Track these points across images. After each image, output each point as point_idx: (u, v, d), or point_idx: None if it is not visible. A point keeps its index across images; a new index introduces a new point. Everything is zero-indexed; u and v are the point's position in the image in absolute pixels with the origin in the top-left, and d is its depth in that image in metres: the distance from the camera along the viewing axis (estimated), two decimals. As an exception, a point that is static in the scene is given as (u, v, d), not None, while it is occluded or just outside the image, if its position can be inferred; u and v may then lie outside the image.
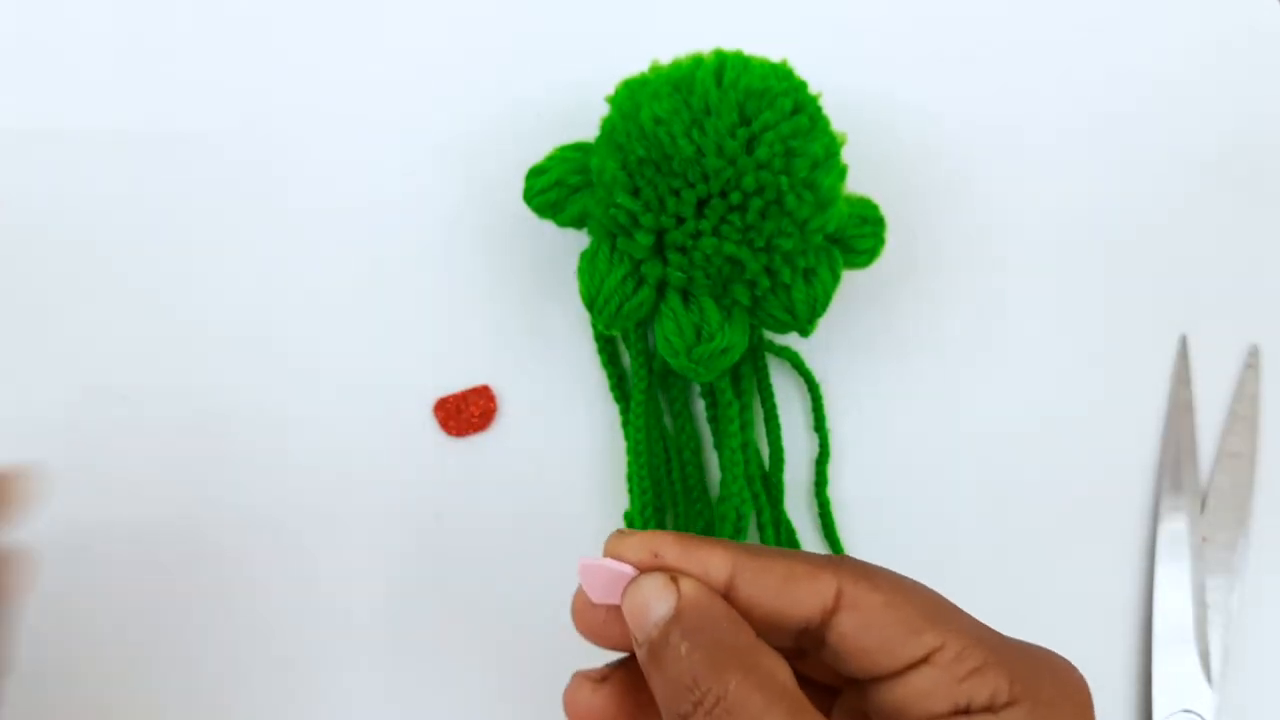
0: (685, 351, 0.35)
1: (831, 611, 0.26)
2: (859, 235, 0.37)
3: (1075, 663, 0.28)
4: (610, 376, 0.39)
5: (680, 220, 0.34)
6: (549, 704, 0.40)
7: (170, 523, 0.38)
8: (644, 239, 0.34)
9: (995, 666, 0.25)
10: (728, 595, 0.26)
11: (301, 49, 0.41)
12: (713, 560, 0.26)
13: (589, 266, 0.36)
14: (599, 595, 0.27)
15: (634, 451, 0.38)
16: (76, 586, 0.38)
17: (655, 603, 0.26)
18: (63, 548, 0.38)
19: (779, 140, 0.33)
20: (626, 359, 0.40)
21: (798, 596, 0.26)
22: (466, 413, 0.38)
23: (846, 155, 0.36)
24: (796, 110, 0.34)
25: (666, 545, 0.26)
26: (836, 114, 0.36)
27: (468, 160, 0.40)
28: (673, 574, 0.26)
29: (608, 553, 0.27)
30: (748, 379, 0.39)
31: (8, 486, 0.32)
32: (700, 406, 0.40)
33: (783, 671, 0.25)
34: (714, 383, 0.38)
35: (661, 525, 0.38)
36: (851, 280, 0.39)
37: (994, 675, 0.25)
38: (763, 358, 0.39)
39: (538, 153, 0.38)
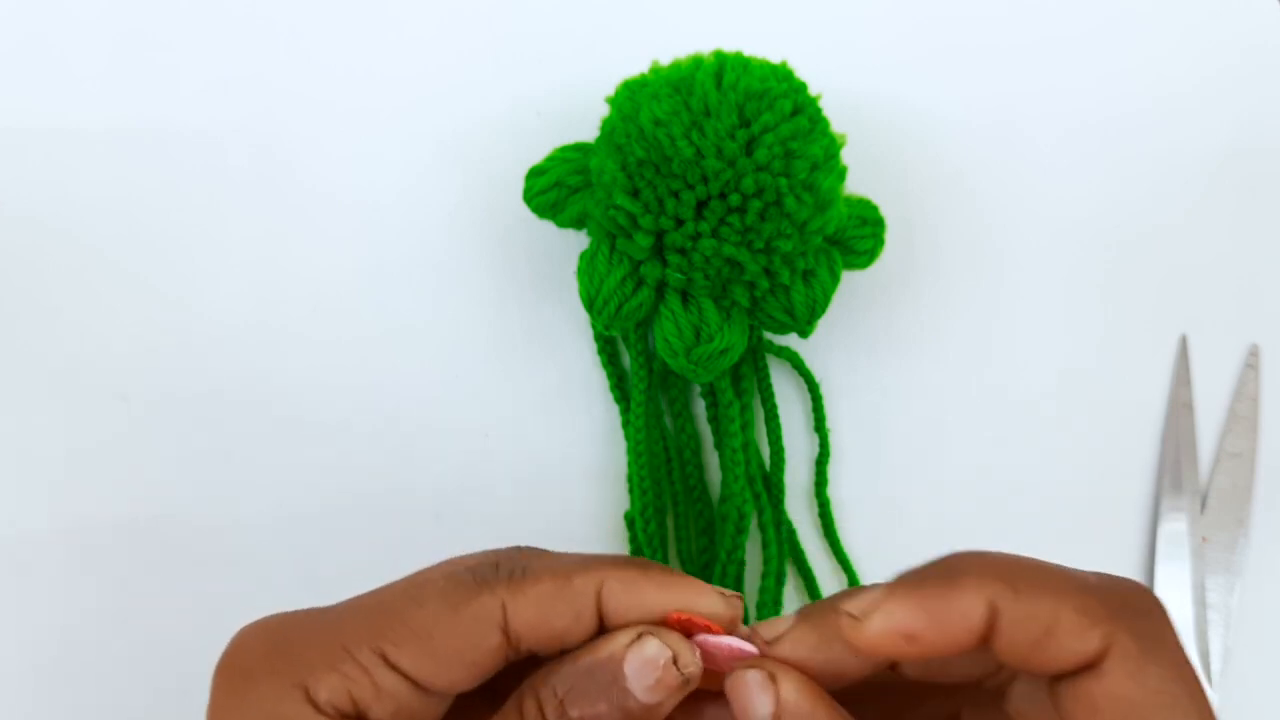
0: (684, 352, 0.35)
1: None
2: (859, 236, 0.37)
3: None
4: (610, 376, 0.39)
5: (679, 222, 0.34)
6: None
7: (170, 522, 0.38)
8: (643, 240, 0.34)
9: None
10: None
11: (301, 48, 0.41)
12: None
13: (588, 267, 0.36)
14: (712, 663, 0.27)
15: (634, 451, 0.38)
16: (76, 586, 0.38)
17: (756, 701, 0.25)
18: (63, 548, 0.38)
19: (778, 142, 0.33)
20: (626, 359, 0.40)
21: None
22: None
23: (846, 156, 0.36)
24: (796, 112, 0.34)
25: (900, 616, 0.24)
26: (836, 115, 0.36)
27: (468, 160, 0.40)
28: (772, 672, 0.25)
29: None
30: (748, 379, 0.39)
31: None
32: (700, 406, 0.40)
33: None
34: (714, 383, 0.38)
35: (662, 526, 0.38)
36: (851, 280, 0.39)
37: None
38: (763, 358, 0.39)
39: (538, 153, 0.38)
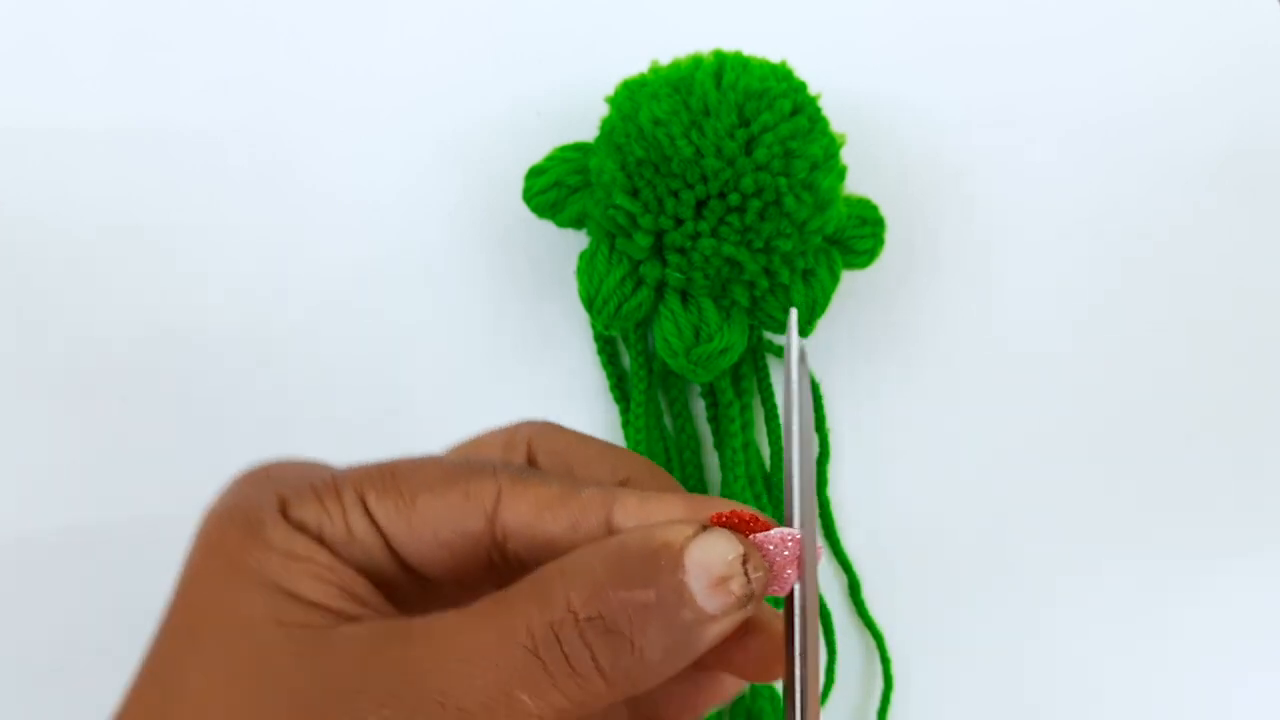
0: (684, 352, 0.35)
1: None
2: (858, 236, 0.37)
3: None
4: (610, 376, 0.39)
5: (679, 221, 0.34)
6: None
7: (170, 522, 0.38)
8: (643, 240, 0.34)
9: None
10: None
11: (301, 48, 0.41)
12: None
13: (588, 267, 0.36)
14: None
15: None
16: (76, 587, 0.38)
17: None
18: (63, 548, 0.38)
19: (778, 141, 0.33)
20: (626, 359, 0.40)
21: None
22: None
23: (846, 156, 0.36)
24: (796, 111, 0.34)
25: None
26: (836, 115, 0.36)
27: (468, 160, 0.40)
28: None
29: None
30: (748, 379, 0.39)
31: None
32: (700, 406, 0.40)
33: None
34: (714, 383, 0.38)
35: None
36: (851, 280, 0.39)
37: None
38: (763, 358, 0.39)
39: (538, 153, 0.38)
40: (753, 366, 0.39)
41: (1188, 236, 0.41)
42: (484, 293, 0.40)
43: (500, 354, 0.40)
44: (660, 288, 0.36)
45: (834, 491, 0.40)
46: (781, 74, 0.35)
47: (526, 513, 0.23)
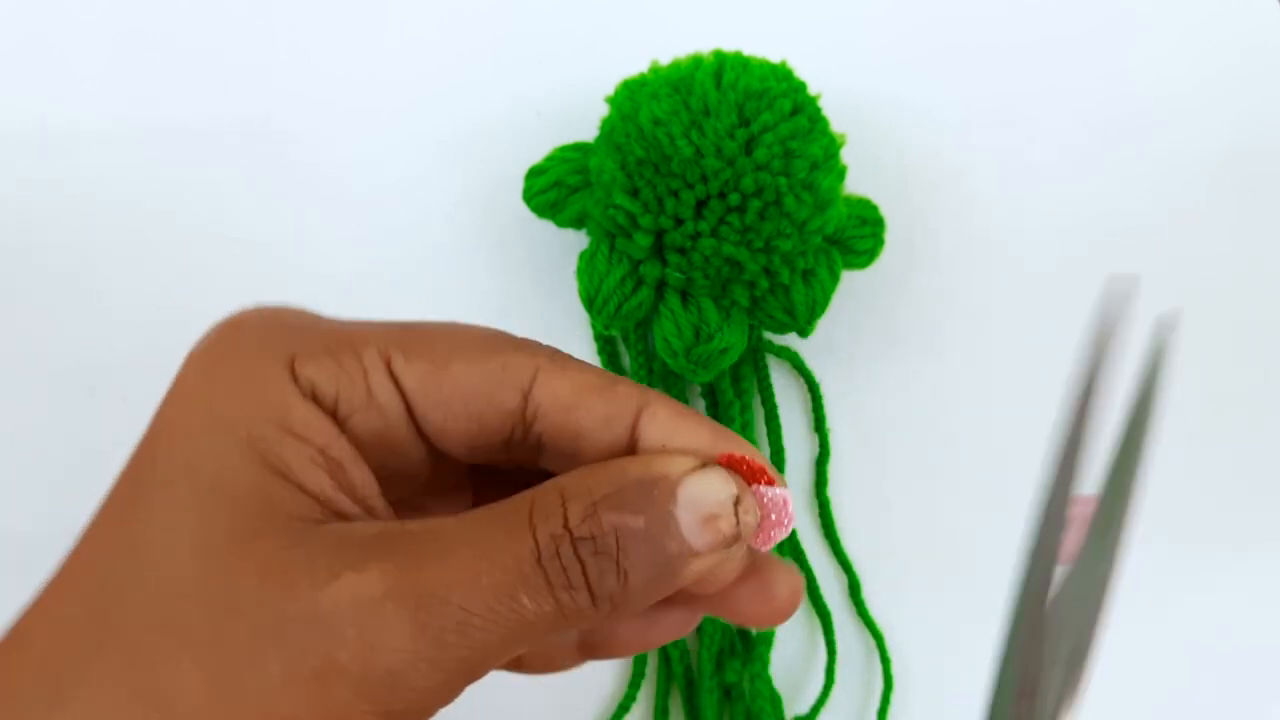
0: (684, 352, 0.35)
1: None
2: (858, 236, 0.37)
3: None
4: (610, 376, 0.39)
5: (679, 221, 0.34)
6: (549, 699, 0.40)
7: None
8: (643, 240, 0.34)
9: None
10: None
11: (301, 48, 0.41)
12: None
13: (588, 267, 0.36)
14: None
15: (634, 451, 0.38)
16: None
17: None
18: (62, 548, 0.38)
19: (778, 141, 0.33)
20: (626, 359, 0.40)
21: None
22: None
23: (846, 156, 0.36)
24: (796, 111, 0.34)
25: None
26: (836, 115, 0.36)
27: (468, 160, 0.40)
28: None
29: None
30: (748, 379, 0.39)
31: None
32: (700, 406, 0.40)
33: None
34: (714, 383, 0.38)
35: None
36: (851, 280, 0.39)
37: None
38: (763, 358, 0.39)
39: (538, 153, 0.38)
40: (753, 367, 0.39)
41: (1188, 236, 0.41)
42: (484, 293, 0.40)
43: (500, 354, 0.40)
44: (660, 288, 0.36)
45: (834, 491, 0.40)
46: (781, 74, 0.35)
47: (563, 394, 0.23)
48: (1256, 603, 0.40)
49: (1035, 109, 0.42)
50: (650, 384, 0.38)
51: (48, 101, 0.40)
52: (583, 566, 0.21)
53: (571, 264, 0.38)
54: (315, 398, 0.22)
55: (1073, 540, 0.22)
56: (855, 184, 0.38)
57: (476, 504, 0.24)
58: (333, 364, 0.22)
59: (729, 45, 0.36)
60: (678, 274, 0.35)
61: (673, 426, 0.23)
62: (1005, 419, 0.40)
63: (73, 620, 0.21)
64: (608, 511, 0.21)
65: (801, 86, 0.35)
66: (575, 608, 0.21)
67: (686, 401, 0.39)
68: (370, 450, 0.22)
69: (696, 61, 0.35)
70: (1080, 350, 0.23)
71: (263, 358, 0.22)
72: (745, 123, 0.33)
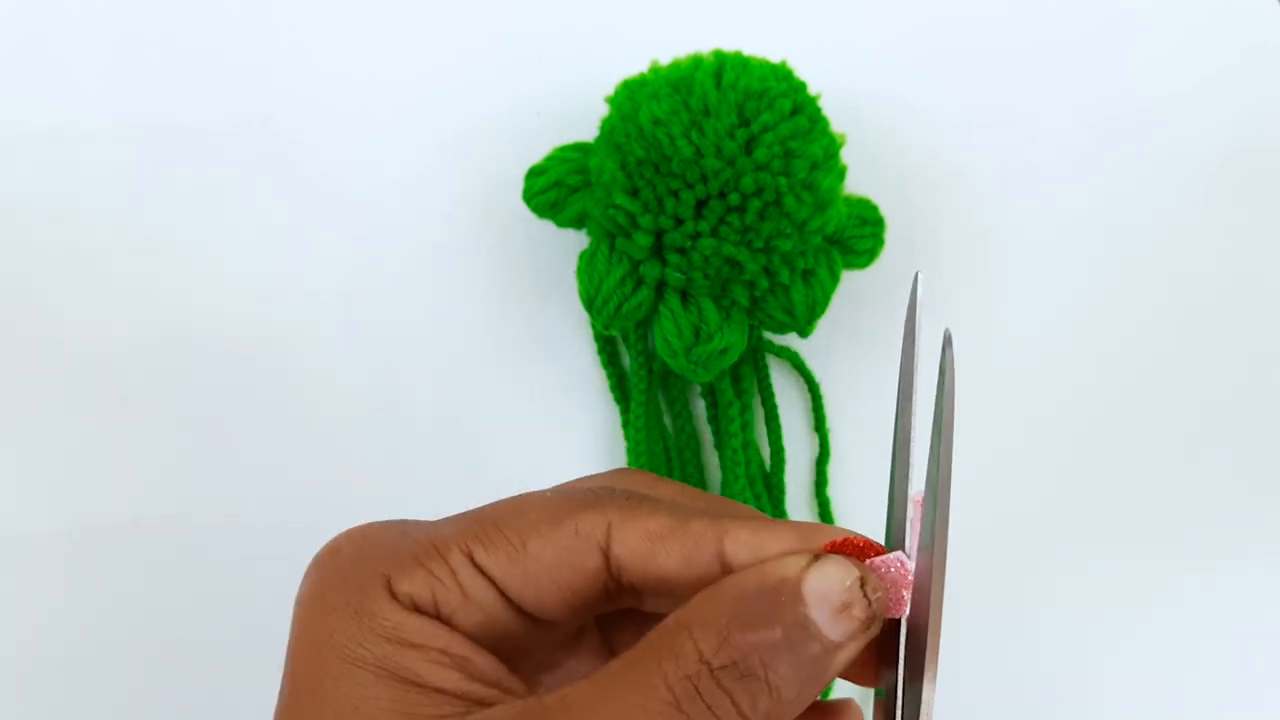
0: (684, 352, 0.35)
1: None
2: (858, 236, 0.37)
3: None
4: (610, 376, 0.39)
5: (679, 221, 0.34)
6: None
7: (168, 523, 0.38)
8: (643, 240, 0.34)
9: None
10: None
11: (301, 48, 0.41)
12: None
13: (588, 267, 0.36)
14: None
15: (634, 452, 0.38)
16: (76, 587, 0.38)
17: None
18: (63, 548, 0.38)
19: (778, 141, 0.33)
20: (626, 359, 0.40)
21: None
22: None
23: (846, 155, 0.36)
24: (796, 111, 0.34)
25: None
26: (836, 114, 0.36)
27: (468, 160, 0.40)
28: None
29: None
30: (748, 379, 0.39)
31: None
32: (700, 406, 0.40)
33: None
34: (714, 383, 0.38)
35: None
36: (851, 280, 0.39)
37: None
38: (763, 358, 0.39)
39: (538, 153, 0.38)
40: (753, 366, 0.39)
41: (1188, 236, 0.41)
42: (484, 293, 0.40)
43: (500, 354, 0.40)
44: (660, 288, 0.36)
45: (834, 491, 0.40)
46: (781, 74, 0.35)
47: (638, 546, 0.23)
48: (1258, 603, 0.40)
49: (1035, 109, 0.42)
50: (650, 384, 0.38)
51: (48, 101, 0.40)
52: (730, 696, 0.21)
53: (571, 264, 0.38)
54: (417, 608, 0.23)
55: (904, 598, 0.23)
56: (855, 184, 0.38)
57: (604, 640, 0.26)
58: (424, 574, 0.23)
59: (729, 45, 0.36)
60: (678, 274, 0.35)
61: (758, 541, 0.23)
62: (1005, 419, 0.40)
63: None
64: (742, 632, 0.21)
65: (801, 86, 0.35)
66: None
67: (686, 402, 0.39)
68: (483, 639, 0.23)
69: (696, 61, 0.35)
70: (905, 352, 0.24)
71: (364, 584, 0.23)
72: (745, 123, 0.33)
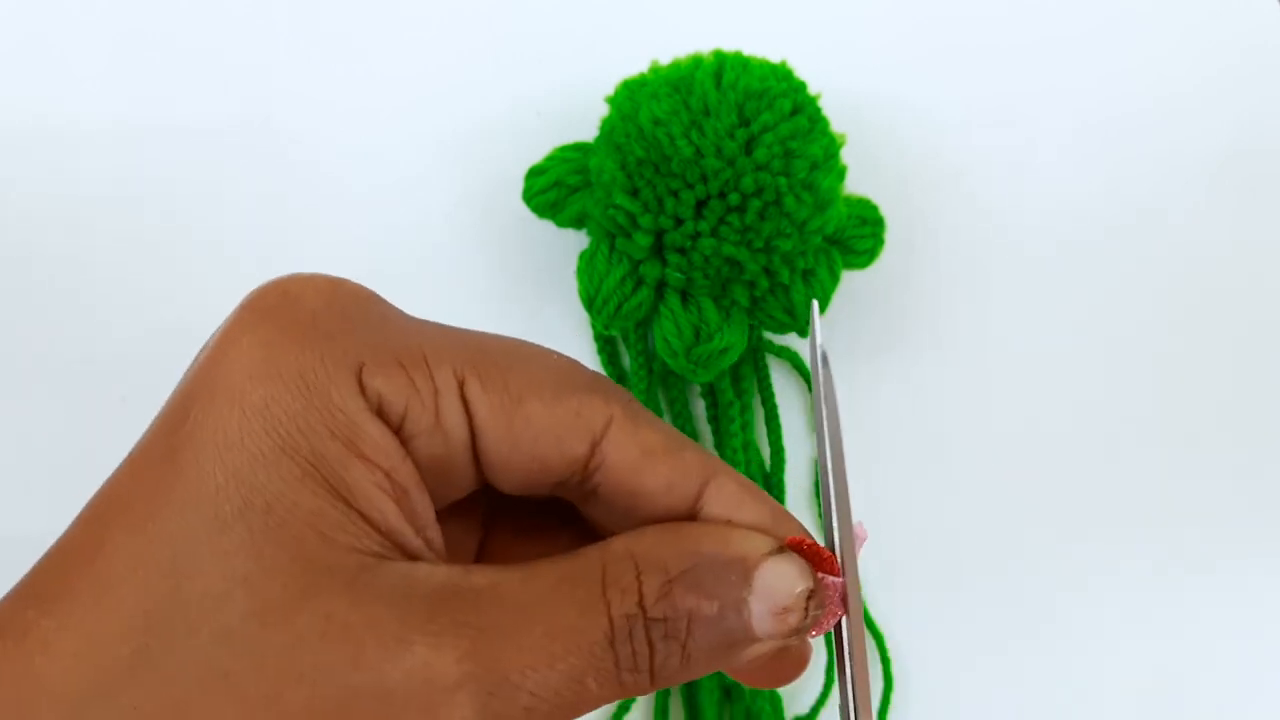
0: (684, 352, 0.35)
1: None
2: (858, 236, 0.37)
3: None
4: (610, 376, 0.39)
5: (679, 221, 0.34)
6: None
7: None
8: (643, 239, 0.34)
9: None
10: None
11: (301, 48, 0.41)
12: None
13: (588, 267, 0.36)
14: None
15: (634, 451, 0.38)
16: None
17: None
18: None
19: (778, 141, 0.33)
20: (626, 359, 0.40)
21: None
22: None
23: (846, 155, 0.36)
24: (796, 111, 0.34)
25: None
26: (836, 114, 0.36)
27: (468, 160, 0.40)
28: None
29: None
30: (748, 379, 0.39)
31: None
32: (700, 406, 0.40)
33: None
34: (714, 383, 0.38)
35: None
36: (851, 280, 0.39)
37: None
38: (763, 358, 0.39)
39: (538, 153, 0.38)
40: (753, 366, 0.39)
41: (1188, 236, 0.41)
42: (484, 293, 0.40)
43: (500, 354, 0.40)
44: (660, 288, 0.36)
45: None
46: (781, 74, 0.35)
47: (630, 453, 0.22)
48: (1258, 603, 0.40)
49: (1035, 109, 0.42)
50: (650, 384, 0.38)
51: (48, 101, 0.40)
52: (651, 649, 0.20)
53: (571, 264, 0.38)
54: (382, 414, 0.20)
55: (829, 622, 0.23)
56: (855, 184, 0.38)
57: (486, 525, 0.23)
58: (404, 379, 0.20)
59: (729, 45, 0.36)
60: (678, 274, 0.35)
61: (738, 502, 0.22)
62: (1005, 418, 0.40)
63: (108, 649, 0.19)
64: (684, 592, 0.20)
65: (801, 86, 0.35)
66: (633, 687, 0.20)
67: (686, 402, 0.39)
68: (426, 476, 0.21)
69: (696, 61, 0.35)
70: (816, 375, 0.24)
71: (328, 360, 0.20)
72: (745, 123, 0.33)
